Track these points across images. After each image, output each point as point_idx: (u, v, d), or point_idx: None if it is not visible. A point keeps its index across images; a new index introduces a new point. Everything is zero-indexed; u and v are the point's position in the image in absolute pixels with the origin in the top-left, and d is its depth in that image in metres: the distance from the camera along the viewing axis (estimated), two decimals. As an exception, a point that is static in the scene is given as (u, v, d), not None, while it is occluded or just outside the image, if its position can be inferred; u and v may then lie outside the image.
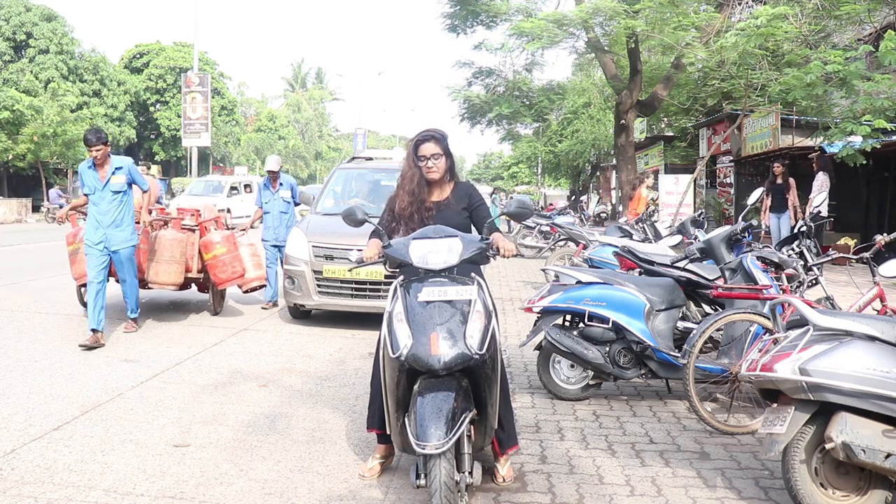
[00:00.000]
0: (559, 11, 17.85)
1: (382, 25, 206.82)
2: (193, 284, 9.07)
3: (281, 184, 9.67)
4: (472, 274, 3.67)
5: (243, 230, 9.42)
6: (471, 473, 3.38)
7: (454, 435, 3.17)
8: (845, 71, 12.41)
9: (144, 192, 7.77)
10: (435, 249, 3.55)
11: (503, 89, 21.49)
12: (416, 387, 3.38)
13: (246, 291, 9.10)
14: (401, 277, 3.70)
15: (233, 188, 28.57)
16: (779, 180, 14.17)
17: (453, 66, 21.84)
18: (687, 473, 4.22)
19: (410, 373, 3.37)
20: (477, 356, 3.32)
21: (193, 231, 8.61)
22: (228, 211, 24.78)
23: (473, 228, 4.17)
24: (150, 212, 8.39)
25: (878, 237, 6.17)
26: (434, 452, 3.14)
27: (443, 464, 3.17)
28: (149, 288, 8.39)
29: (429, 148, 4.04)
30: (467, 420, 3.30)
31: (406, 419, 3.39)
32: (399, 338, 3.36)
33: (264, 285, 9.30)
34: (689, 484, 4.07)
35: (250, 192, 28.34)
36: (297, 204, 9.87)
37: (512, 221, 25.04)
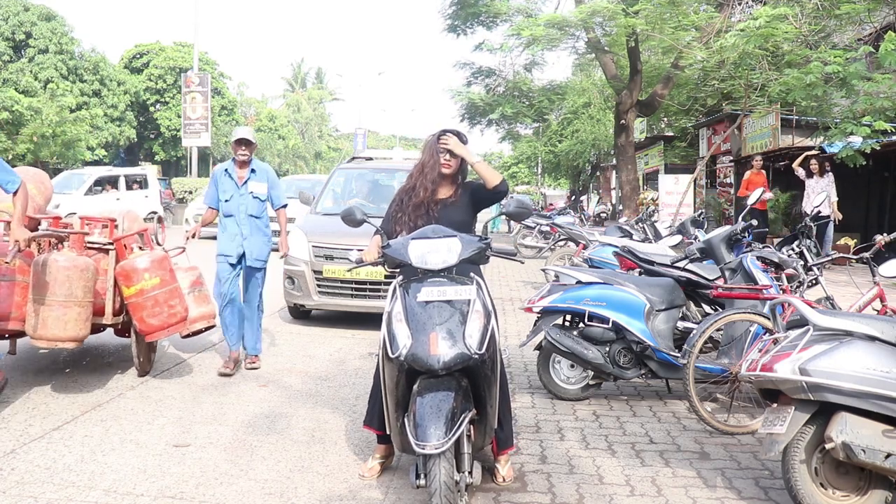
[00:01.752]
0: (558, 14, 17.85)
1: (382, 25, 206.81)
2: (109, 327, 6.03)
3: (253, 171, 6.36)
4: (472, 274, 3.67)
5: (181, 248, 6.48)
6: (471, 473, 3.39)
7: (454, 435, 3.17)
8: (845, 71, 12.42)
9: (12, 193, 4.80)
10: (434, 249, 3.56)
11: (503, 89, 21.50)
12: (415, 387, 3.39)
13: (186, 336, 6.28)
14: (400, 277, 3.70)
15: (101, 182, 20.66)
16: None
17: (454, 66, 21.89)
18: (687, 473, 4.22)
19: (410, 373, 3.38)
20: (476, 356, 3.32)
21: (107, 252, 5.74)
22: (160, 221, 19.10)
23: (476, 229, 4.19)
24: (37, 225, 5.60)
25: (878, 237, 6.17)
26: (434, 452, 3.14)
27: (442, 464, 3.18)
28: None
29: (453, 141, 4.05)
30: (467, 420, 3.31)
31: (406, 419, 3.39)
32: (398, 338, 3.36)
33: (213, 325, 6.45)
34: (689, 484, 4.07)
35: (140, 188, 21.98)
36: (283, 206, 6.59)
37: (512, 221, 25.05)
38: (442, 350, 3.27)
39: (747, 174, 15.29)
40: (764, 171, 14.84)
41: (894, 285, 8.36)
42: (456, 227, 3.75)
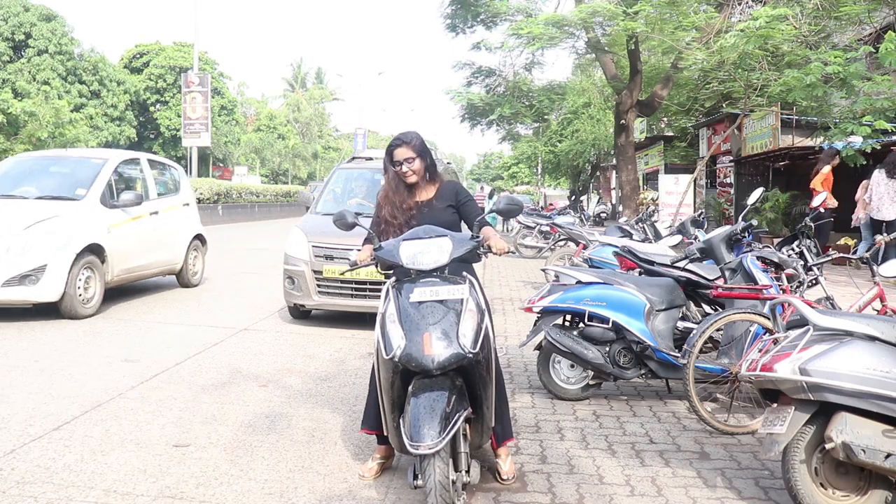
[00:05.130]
0: (558, 13, 17.87)
1: (382, 25, 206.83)
2: None
3: None
4: (464, 273, 3.69)
5: None
6: (468, 472, 3.39)
7: (448, 434, 3.17)
8: (845, 71, 12.42)
9: None
10: (425, 250, 3.57)
11: (503, 89, 21.51)
12: (410, 387, 3.39)
13: None
14: (393, 279, 3.71)
15: None
16: None
17: (453, 66, 21.87)
18: (687, 473, 4.22)
19: (405, 373, 3.38)
20: (470, 355, 3.33)
21: None
22: None
23: (464, 226, 4.19)
24: None
25: (878, 237, 6.18)
26: (428, 452, 3.14)
27: (437, 463, 3.18)
28: None
29: (401, 153, 4.08)
30: (462, 419, 3.31)
31: (401, 420, 3.40)
32: (392, 339, 3.37)
33: None
34: (689, 484, 4.07)
35: None
36: None
37: (510, 221, 25.09)
38: (436, 350, 3.27)
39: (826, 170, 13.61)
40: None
41: (894, 285, 8.36)
42: (441, 227, 3.76)
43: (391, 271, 3.84)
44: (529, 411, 5.34)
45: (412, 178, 4.08)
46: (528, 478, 4.10)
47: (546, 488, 3.96)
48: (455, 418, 3.25)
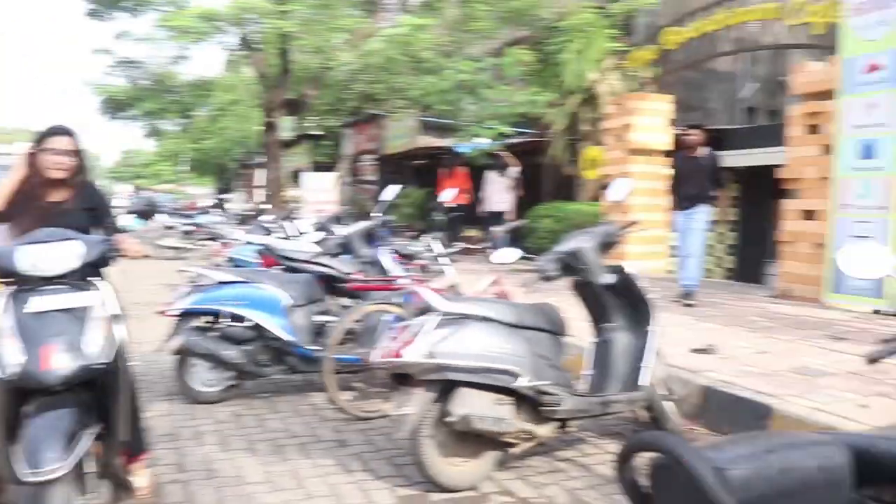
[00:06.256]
0: (211, 8, 17.25)
1: None
2: None
3: None
4: (95, 278, 3.37)
5: None
6: (98, 495, 3.10)
7: (74, 456, 2.87)
8: (475, 80, 13.65)
9: None
10: (48, 255, 3.19)
11: (149, 82, 20.34)
12: (26, 408, 3.02)
13: None
14: (13, 287, 3.27)
15: None
16: (697, 153, 8.88)
17: (94, 52, 20.12)
18: (326, 462, 4.30)
19: (21, 394, 3.00)
20: (98, 366, 3.05)
21: None
22: None
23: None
24: None
25: (493, 229, 6.83)
26: (50, 478, 2.81)
27: (60, 490, 2.85)
28: None
29: (65, 142, 3.68)
30: (90, 437, 3.02)
31: (17, 447, 3.00)
32: (4, 356, 2.97)
33: None
34: (328, 472, 4.15)
35: None
36: None
37: (149, 222, 23.81)
38: (58, 363, 2.94)
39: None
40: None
41: (510, 270, 9.30)
42: (74, 230, 3.42)
43: (12, 279, 3.37)
44: (166, 419, 5.08)
45: (61, 175, 3.67)
46: (166, 489, 3.90)
47: (184, 497, 3.80)
48: (81, 437, 2.95)
